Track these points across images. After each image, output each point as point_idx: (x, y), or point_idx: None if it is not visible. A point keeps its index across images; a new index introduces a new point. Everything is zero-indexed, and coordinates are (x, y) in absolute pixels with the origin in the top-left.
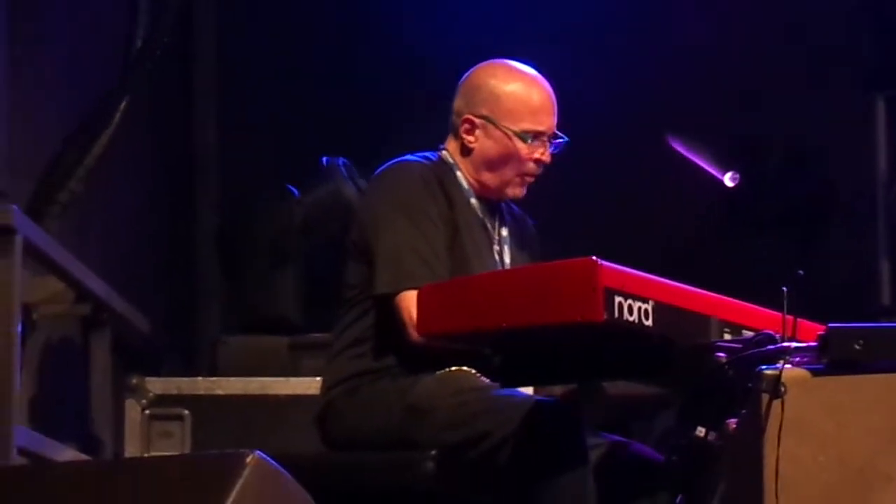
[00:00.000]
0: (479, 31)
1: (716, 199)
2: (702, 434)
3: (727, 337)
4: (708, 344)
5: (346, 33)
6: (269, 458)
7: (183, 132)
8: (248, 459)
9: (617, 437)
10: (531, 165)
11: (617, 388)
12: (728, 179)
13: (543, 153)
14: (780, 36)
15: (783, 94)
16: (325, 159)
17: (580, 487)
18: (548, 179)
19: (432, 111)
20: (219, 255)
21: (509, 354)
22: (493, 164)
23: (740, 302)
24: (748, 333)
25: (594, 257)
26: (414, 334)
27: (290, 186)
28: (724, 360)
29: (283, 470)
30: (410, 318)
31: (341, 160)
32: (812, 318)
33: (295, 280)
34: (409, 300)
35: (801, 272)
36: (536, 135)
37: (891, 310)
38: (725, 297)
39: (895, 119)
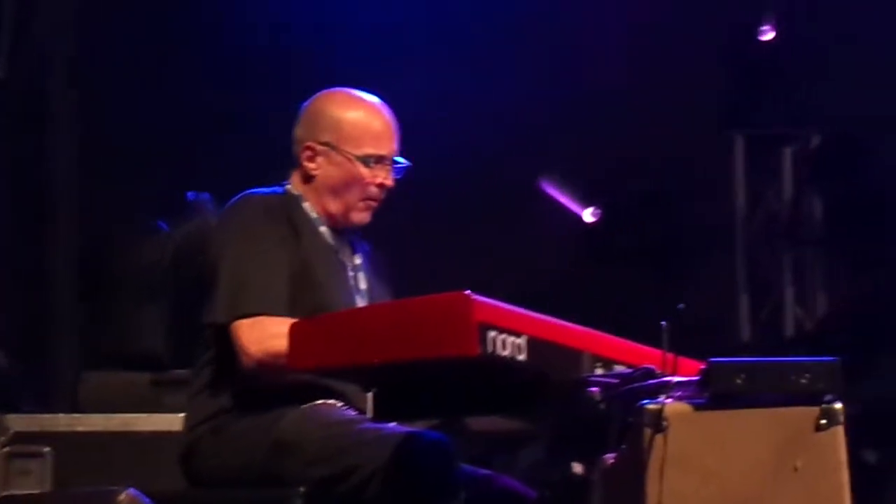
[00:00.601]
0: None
1: (576, 234)
2: (575, 469)
3: (599, 371)
4: (582, 378)
5: (207, 67)
6: (141, 495)
7: (38, 161)
8: (121, 497)
9: (486, 471)
10: (374, 190)
11: (479, 422)
12: (588, 215)
13: (386, 177)
14: (641, 74)
15: (643, 132)
16: (190, 194)
17: None
18: (398, 207)
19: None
20: (81, 287)
21: (382, 389)
22: (336, 190)
23: (612, 337)
24: (619, 368)
25: (468, 292)
26: (246, 360)
27: (159, 221)
28: (602, 395)
29: None
30: (241, 344)
31: (206, 195)
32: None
33: (163, 315)
34: (242, 328)
35: (681, 306)
36: (378, 159)
37: (749, 346)
38: (597, 332)
39: (753, 156)
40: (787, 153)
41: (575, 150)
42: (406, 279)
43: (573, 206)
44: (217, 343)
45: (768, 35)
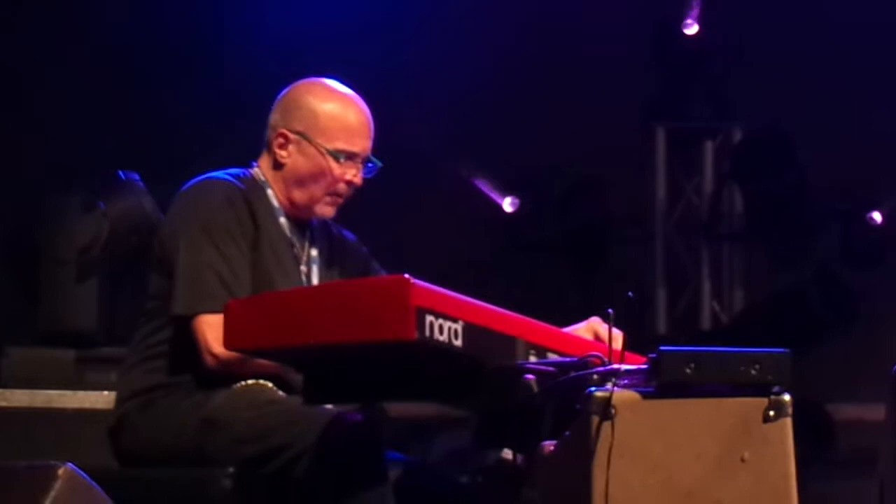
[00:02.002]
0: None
1: (496, 223)
2: (507, 455)
3: (532, 359)
4: (519, 366)
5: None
6: (79, 471)
7: None
8: (60, 471)
9: (413, 456)
10: (341, 186)
11: (397, 408)
12: (507, 205)
13: (355, 175)
14: (566, 66)
15: (566, 124)
16: (121, 173)
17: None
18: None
19: (230, 125)
20: (10, 263)
21: (317, 371)
22: (303, 181)
23: (546, 325)
24: (552, 356)
25: (407, 275)
26: (209, 359)
27: (98, 200)
28: (541, 382)
29: (93, 483)
30: (205, 341)
31: (135, 174)
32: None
33: (96, 293)
34: (206, 323)
35: (630, 294)
36: (350, 156)
37: (667, 338)
38: (532, 320)
39: (674, 149)
40: (709, 147)
41: (498, 141)
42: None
43: (494, 195)
44: (156, 321)
45: (692, 28)
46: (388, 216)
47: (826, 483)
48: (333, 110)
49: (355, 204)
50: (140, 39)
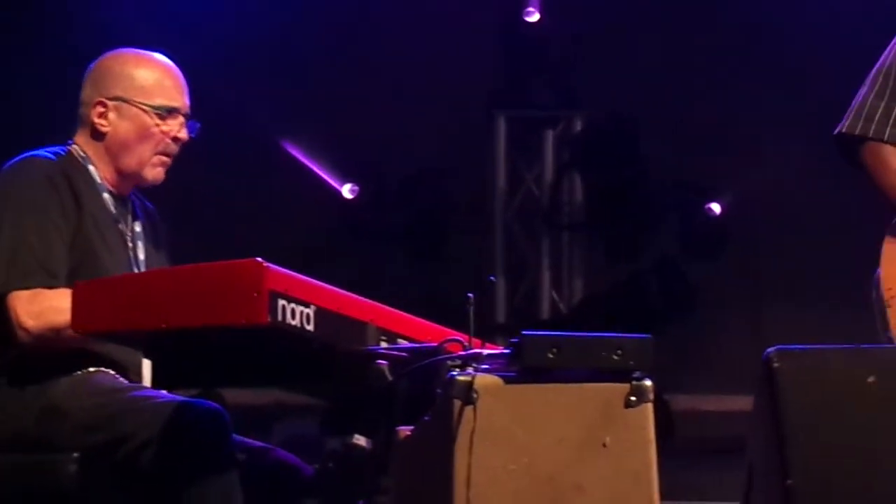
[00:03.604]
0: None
1: (336, 210)
2: (358, 441)
3: (383, 344)
4: (370, 351)
5: None
6: None
7: None
8: None
9: (261, 443)
10: (169, 144)
11: (233, 395)
12: (347, 192)
13: (180, 130)
14: (408, 53)
15: (407, 112)
16: None
17: (228, 492)
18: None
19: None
20: None
21: (167, 356)
22: (129, 145)
23: (397, 311)
24: (402, 342)
25: (259, 259)
26: (21, 334)
27: None
28: (395, 367)
29: None
30: (17, 316)
31: None
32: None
33: None
34: (17, 298)
35: (492, 278)
36: (171, 111)
37: (505, 327)
38: (383, 306)
39: (515, 138)
40: (550, 136)
41: (338, 127)
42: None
43: (333, 182)
44: None
45: (534, 16)
46: (224, 200)
47: (668, 473)
48: (148, 70)
49: (191, 186)
50: None
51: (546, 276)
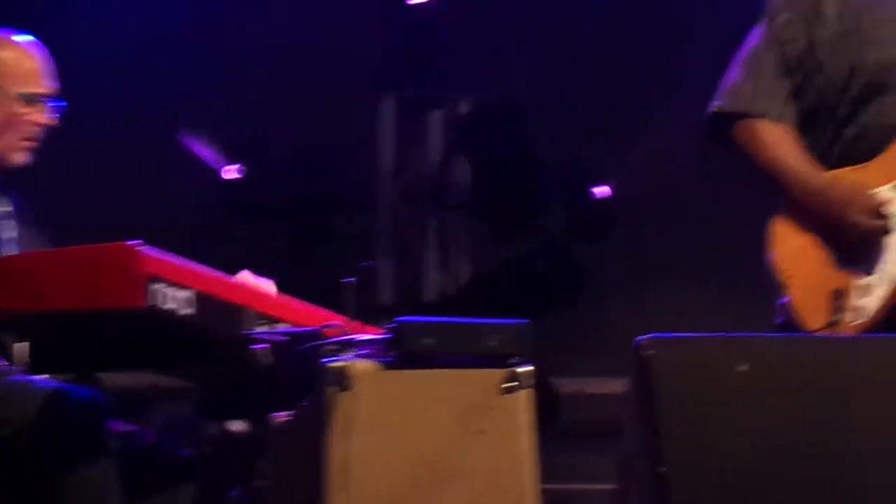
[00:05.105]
0: None
1: (220, 190)
2: (234, 427)
3: (263, 329)
4: (251, 335)
5: None
6: None
7: None
8: None
9: (137, 427)
10: (33, 128)
11: (111, 378)
12: (231, 172)
13: (44, 115)
14: (292, 34)
15: (294, 92)
16: None
17: (104, 478)
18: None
19: None
20: None
21: (43, 340)
22: None
23: (277, 295)
24: (282, 326)
25: (135, 242)
26: None
27: None
28: (273, 352)
29: None
30: None
31: None
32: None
33: None
34: None
35: (372, 263)
36: (35, 97)
37: (390, 308)
38: (260, 290)
39: (402, 118)
40: (437, 116)
41: (223, 107)
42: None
43: (217, 162)
44: None
45: None
46: (108, 179)
47: (550, 456)
48: (12, 55)
49: (75, 167)
50: None
51: (432, 257)
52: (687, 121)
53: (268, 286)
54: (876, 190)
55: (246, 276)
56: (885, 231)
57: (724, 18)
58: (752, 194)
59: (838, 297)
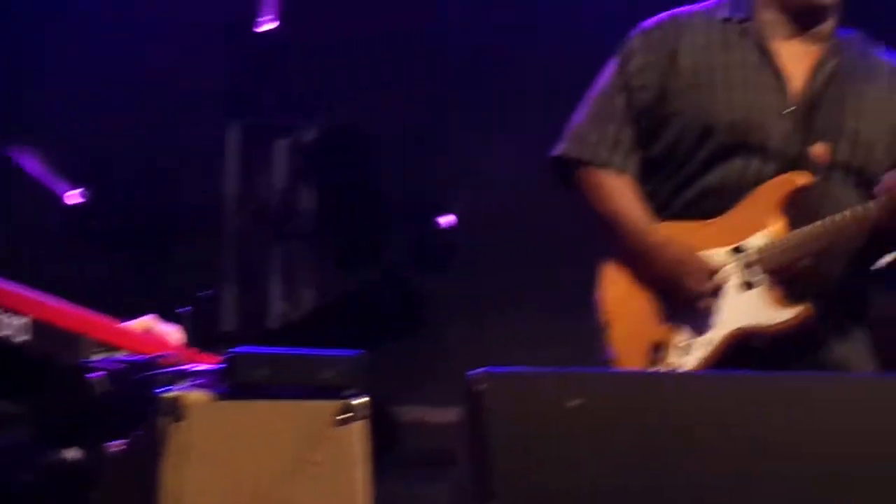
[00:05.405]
0: None
1: (62, 214)
2: (68, 455)
3: (100, 357)
4: (87, 363)
5: None
6: None
7: None
8: None
9: None
10: None
11: None
12: (72, 195)
13: None
14: (145, 57)
15: (140, 115)
16: None
17: None
18: None
19: None
20: None
21: None
22: None
23: (118, 322)
24: (119, 354)
25: None
26: None
27: None
28: (109, 380)
29: None
30: None
31: None
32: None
33: None
34: None
35: (211, 292)
36: None
37: (234, 336)
38: (101, 317)
39: (248, 145)
40: (282, 144)
41: (68, 129)
42: None
43: (57, 185)
44: None
45: (268, 26)
46: None
47: (392, 484)
48: None
49: None
50: None
51: (276, 285)
52: (527, 155)
53: (174, 333)
54: (712, 251)
55: (149, 322)
56: (714, 295)
57: (568, 54)
58: (585, 228)
59: (657, 350)
